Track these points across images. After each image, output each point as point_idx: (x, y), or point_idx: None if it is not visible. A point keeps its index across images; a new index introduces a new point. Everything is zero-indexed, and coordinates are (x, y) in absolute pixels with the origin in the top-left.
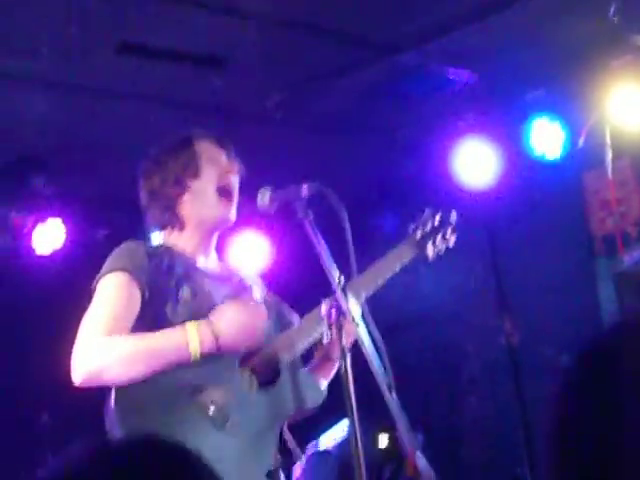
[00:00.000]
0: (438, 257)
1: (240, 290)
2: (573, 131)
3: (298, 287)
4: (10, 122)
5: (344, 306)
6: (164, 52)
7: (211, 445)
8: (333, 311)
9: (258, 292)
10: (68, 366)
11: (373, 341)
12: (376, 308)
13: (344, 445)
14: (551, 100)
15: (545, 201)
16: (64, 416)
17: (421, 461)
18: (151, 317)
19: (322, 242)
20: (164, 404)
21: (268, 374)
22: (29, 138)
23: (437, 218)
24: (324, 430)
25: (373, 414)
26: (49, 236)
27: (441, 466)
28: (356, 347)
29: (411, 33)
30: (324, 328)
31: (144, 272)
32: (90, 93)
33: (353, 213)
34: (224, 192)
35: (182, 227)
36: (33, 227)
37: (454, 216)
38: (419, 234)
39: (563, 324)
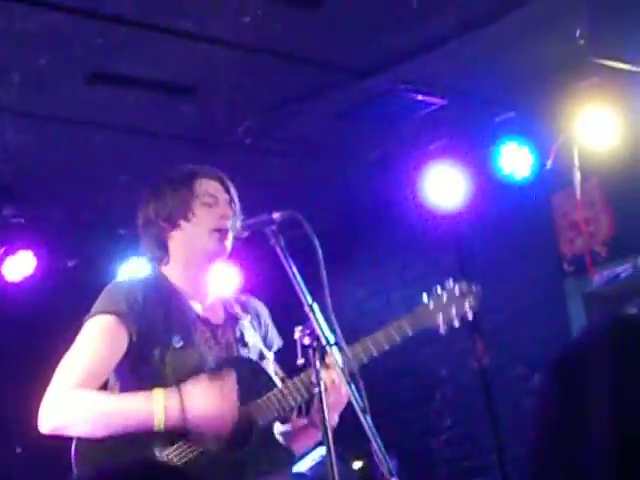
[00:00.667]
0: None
1: (229, 344)
2: (541, 152)
3: (272, 312)
4: None
5: (317, 331)
6: (134, 81)
7: None
8: (307, 336)
9: (251, 333)
10: (38, 397)
11: (347, 365)
12: (351, 334)
13: (319, 468)
14: (519, 122)
15: (514, 222)
16: (36, 450)
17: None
18: (137, 358)
19: (294, 267)
20: (125, 456)
21: (240, 435)
22: None
23: (457, 289)
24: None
25: (348, 439)
26: (19, 266)
27: None
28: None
29: (379, 58)
30: (287, 383)
31: (136, 315)
32: (60, 123)
33: (324, 237)
34: (218, 231)
35: (169, 261)
36: (3, 258)
37: (476, 289)
38: (433, 304)
39: (534, 344)
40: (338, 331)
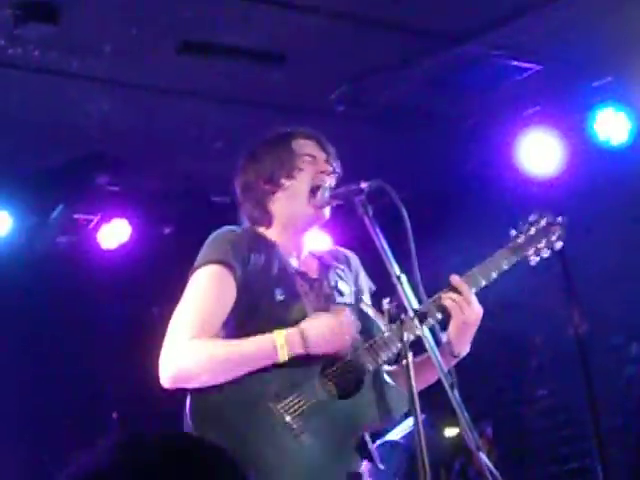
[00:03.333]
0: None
1: (328, 295)
2: (639, 118)
3: None
4: (74, 121)
5: (405, 302)
6: (224, 50)
7: (287, 454)
8: (394, 306)
9: (346, 287)
10: (134, 363)
11: (435, 339)
12: None
13: (413, 436)
14: (616, 87)
15: (612, 189)
16: (134, 413)
17: (483, 460)
18: (243, 309)
19: (382, 238)
20: (241, 411)
21: (350, 383)
22: (93, 137)
23: (543, 222)
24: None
25: (441, 406)
26: (115, 233)
27: (509, 457)
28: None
29: (474, 23)
30: (389, 327)
31: (242, 265)
32: (152, 92)
33: (418, 205)
34: (317, 189)
35: (271, 223)
36: (98, 226)
37: (561, 220)
38: (522, 239)
39: (631, 312)
40: (426, 303)
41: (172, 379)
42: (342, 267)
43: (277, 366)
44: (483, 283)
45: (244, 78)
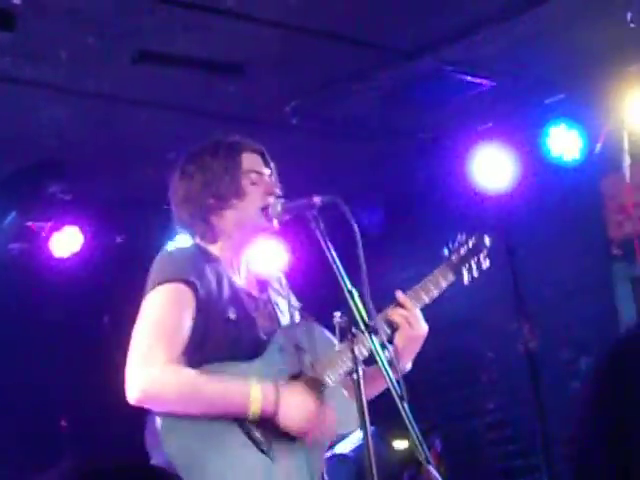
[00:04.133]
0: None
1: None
2: (591, 136)
3: (311, 295)
4: (28, 128)
5: (356, 315)
6: (180, 60)
7: (256, 469)
8: (344, 320)
9: (285, 305)
10: (83, 371)
11: (386, 351)
12: None
13: (362, 449)
14: (569, 105)
15: (563, 206)
16: (81, 420)
17: (433, 473)
18: (200, 328)
19: (333, 252)
20: (210, 426)
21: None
22: (46, 144)
23: (471, 242)
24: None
25: (391, 422)
26: (67, 241)
27: (459, 470)
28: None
29: (428, 39)
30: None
31: (200, 283)
32: (108, 100)
33: (369, 218)
34: (266, 208)
35: (215, 239)
36: (50, 234)
37: (487, 240)
38: (455, 258)
39: (581, 328)
40: (376, 317)
41: (140, 398)
42: (276, 285)
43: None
44: (426, 300)
45: (200, 88)
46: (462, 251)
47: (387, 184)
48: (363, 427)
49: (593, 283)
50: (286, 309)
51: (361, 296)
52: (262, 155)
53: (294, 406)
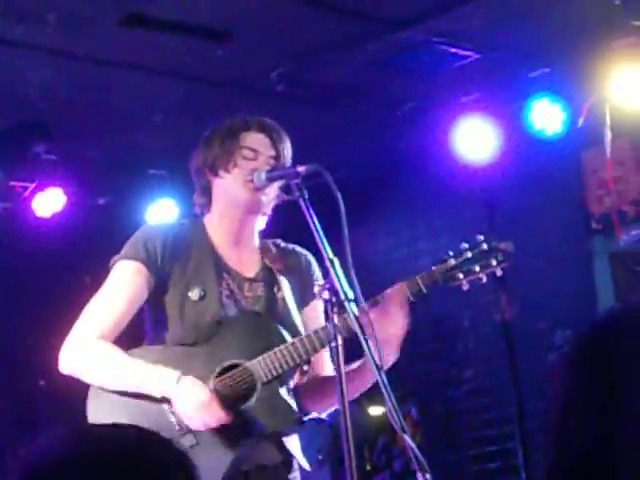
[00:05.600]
0: (475, 281)
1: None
2: (573, 110)
3: None
4: (13, 88)
5: (337, 285)
6: (168, 24)
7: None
8: (326, 290)
9: (285, 291)
10: (61, 333)
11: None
12: (373, 283)
13: (338, 414)
14: (552, 79)
15: (544, 178)
16: (60, 381)
17: (408, 442)
18: (156, 307)
19: (316, 222)
20: (134, 407)
21: (241, 391)
22: (32, 105)
23: (482, 245)
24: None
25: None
26: (49, 202)
27: (435, 438)
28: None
29: (415, 10)
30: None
31: (154, 263)
32: (95, 63)
33: (353, 187)
34: (250, 182)
35: (208, 209)
36: (33, 194)
37: (507, 247)
38: (452, 262)
39: (558, 300)
40: (357, 287)
41: (69, 370)
42: (288, 276)
43: (176, 365)
44: (410, 299)
45: (187, 53)
46: (468, 254)
47: (371, 152)
48: (340, 393)
49: (572, 257)
50: (290, 297)
51: (343, 265)
52: (270, 136)
53: (183, 393)
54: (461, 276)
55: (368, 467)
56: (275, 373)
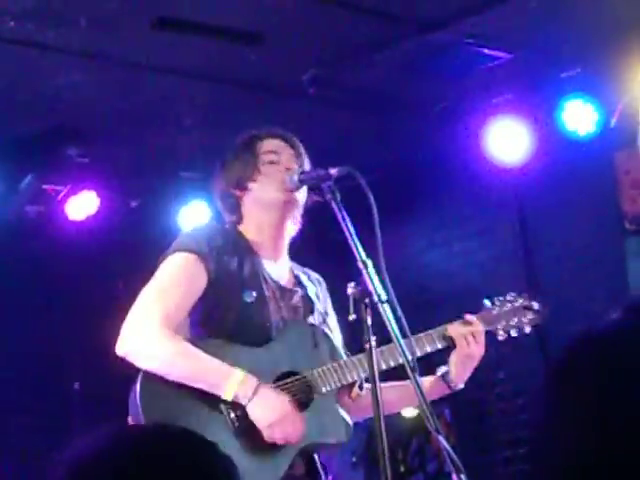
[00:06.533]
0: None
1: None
2: (606, 110)
3: (324, 266)
4: (45, 92)
5: (370, 286)
6: (200, 27)
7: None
8: (359, 290)
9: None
10: (97, 335)
11: (399, 323)
12: (406, 286)
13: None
14: (585, 79)
15: (577, 179)
16: (95, 384)
17: (443, 443)
18: (210, 303)
19: (348, 223)
20: (189, 403)
21: (299, 400)
22: (64, 108)
23: (519, 302)
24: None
25: None
26: (82, 205)
27: (467, 439)
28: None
29: (447, 11)
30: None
31: (216, 259)
32: (126, 66)
33: (386, 189)
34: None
35: (248, 226)
36: (66, 197)
37: (539, 307)
38: (496, 311)
39: (592, 301)
40: (390, 288)
41: (128, 352)
42: (315, 290)
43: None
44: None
45: (218, 56)
46: (507, 307)
47: (404, 154)
48: (374, 395)
49: (605, 257)
50: (318, 312)
51: (376, 267)
52: (284, 138)
53: (265, 401)
54: (500, 327)
55: (402, 469)
56: (334, 386)
